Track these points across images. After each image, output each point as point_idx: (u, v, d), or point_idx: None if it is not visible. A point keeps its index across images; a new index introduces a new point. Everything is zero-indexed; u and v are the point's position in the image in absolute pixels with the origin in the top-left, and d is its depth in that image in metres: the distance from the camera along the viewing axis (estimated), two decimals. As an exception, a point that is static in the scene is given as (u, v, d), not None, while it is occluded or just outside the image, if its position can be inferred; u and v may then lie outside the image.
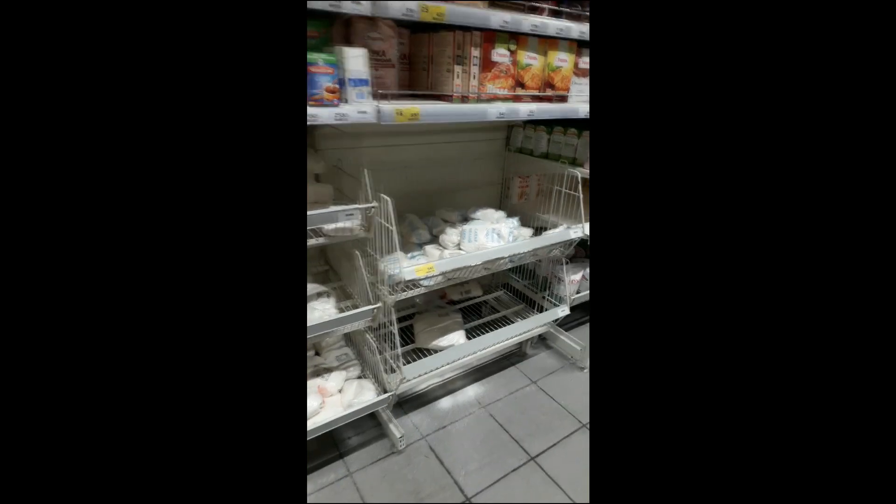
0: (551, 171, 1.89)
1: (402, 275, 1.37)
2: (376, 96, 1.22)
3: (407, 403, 1.83)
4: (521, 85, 1.39)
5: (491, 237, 1.65)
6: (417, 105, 1.17)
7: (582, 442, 1.65)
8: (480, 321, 2.11)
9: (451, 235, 1.69)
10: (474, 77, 1.28)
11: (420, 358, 1.62)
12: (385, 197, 1.31)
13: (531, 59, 1.38)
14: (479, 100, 1.32)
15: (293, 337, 0.51)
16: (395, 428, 1.59)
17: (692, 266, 0.50)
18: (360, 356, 1.80)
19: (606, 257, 0.54)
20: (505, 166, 2.21)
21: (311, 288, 1.52)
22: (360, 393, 1.53)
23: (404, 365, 1.68)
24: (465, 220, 1.84)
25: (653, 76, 0.50)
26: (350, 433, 1.66)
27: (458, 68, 1.27)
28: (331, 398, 1.53)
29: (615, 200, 0.53)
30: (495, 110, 1.30)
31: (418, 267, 1.40)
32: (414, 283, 1.50)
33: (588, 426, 1.75)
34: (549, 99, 1.47)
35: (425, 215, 1.92)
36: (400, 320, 1.98)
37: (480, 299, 2.28)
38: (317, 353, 1.68)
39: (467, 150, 2.09)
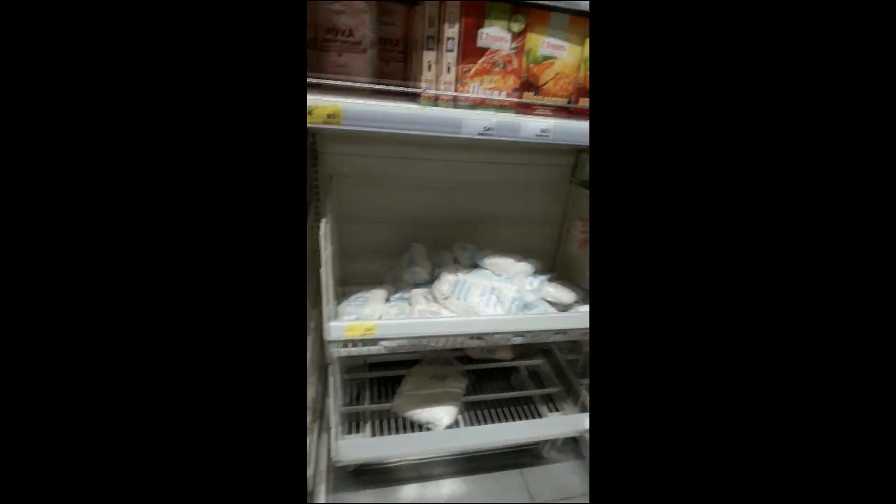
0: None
1: (326, 331, 1.02)
2: (318, 87, 0.90)
3: (365, 475, 1.47)
4: (533, 87, 0.91)
5: (487, 300, 1.19)
6: (340, 101, 0.81)
7: None
8: (490, 396, 1.62)
9: (442, 284, 1.28)
10: (448, 69, 0.86)
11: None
12: (323, 221, 0.98)
13: (554, 49, 0.88)
14: (454, 103, 0.89)
15: (291, 345, 0.50)
16: None
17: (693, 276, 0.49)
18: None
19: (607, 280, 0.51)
20: (567, 203, 1.67)
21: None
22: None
23: (349, 435, 1.33)
24: (475, 266, 1.39)
25: (659, 79, 0.48)
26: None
27: (428, 55, 0.87)
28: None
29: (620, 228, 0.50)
30: (477, 122, 0.85)
31: (352, 325, 1.03)
32: (366, 341, 1.14)
33: None
34: (582, 113, 0.94)
35: (442, 249, 1.53)
36: (397, 365, 1.63)
37: (508, 364, 1.78)
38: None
39: (516, 174, 1.62)
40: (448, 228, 1.62)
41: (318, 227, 0.98)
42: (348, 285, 1.55)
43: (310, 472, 1.23)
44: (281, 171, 0.51)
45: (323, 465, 1.36)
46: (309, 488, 1.17)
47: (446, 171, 1.57)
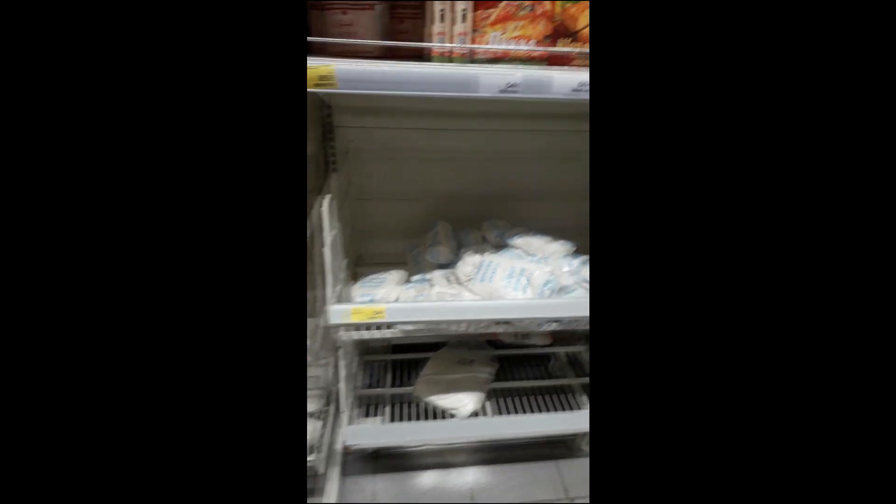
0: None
1: (328, 314, 0.95)
2: (321, 51, 0.80)
3: (383, 459, 1.43)
4: (569, 34, 0.76)
5: (514, 283, 1.07)
6: (332, 62, 0.70)
7: None
8: (522, 384, 1.52)
9: (465, 265, 1.17)
10: (462, 18, 0.72)
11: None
12: (326, 198, 0.90)
13: (595, -15, 0.72)
14: (470, 58, 0.75)
15: (291, 336, 0.48)
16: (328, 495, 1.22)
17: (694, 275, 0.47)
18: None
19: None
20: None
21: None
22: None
23: (366, 418, 1.28)
24: (504, 245, 1.27)
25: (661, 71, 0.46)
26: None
27: (439, 3, 0.73)
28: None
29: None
30: (497, 79, 0.72)
31: (358, 308, 0.96)
32: (377, 325, 1.07)
33: None
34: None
35: (470, 227, 1.42)
36: (422, 348, 1.57)
37: (544, 350, 1.66)
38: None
39: (552, 144, 1.46)
40: (477, 205, 1.50)
41: (322, 205, 0.90)
42: (368, 266, 1.48)
43: (322, 455, 1.20)
44: (276, 143, 0.47)
45: (338, 447, 1.33)
46: (321, 471, 1.14)
47: (475, 143, 1.43)
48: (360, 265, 1.49)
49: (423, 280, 1.26)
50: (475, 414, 1.30)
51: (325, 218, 0.88)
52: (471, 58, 0.75)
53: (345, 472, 1.33)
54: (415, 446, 1.46)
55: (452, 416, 1.32)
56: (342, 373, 1.08)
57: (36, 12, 0.41)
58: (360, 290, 1.15)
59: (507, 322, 1.11)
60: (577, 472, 1.40)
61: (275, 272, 0.48)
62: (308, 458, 1.14)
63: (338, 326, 0.97)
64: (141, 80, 0.44)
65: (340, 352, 1.07)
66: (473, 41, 0.73)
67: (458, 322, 1.01)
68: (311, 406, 1.33)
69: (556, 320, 1.11)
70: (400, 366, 1.58)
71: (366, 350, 1.59)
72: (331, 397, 1.39)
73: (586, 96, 0.74)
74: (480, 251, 1.21)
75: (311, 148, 1.14)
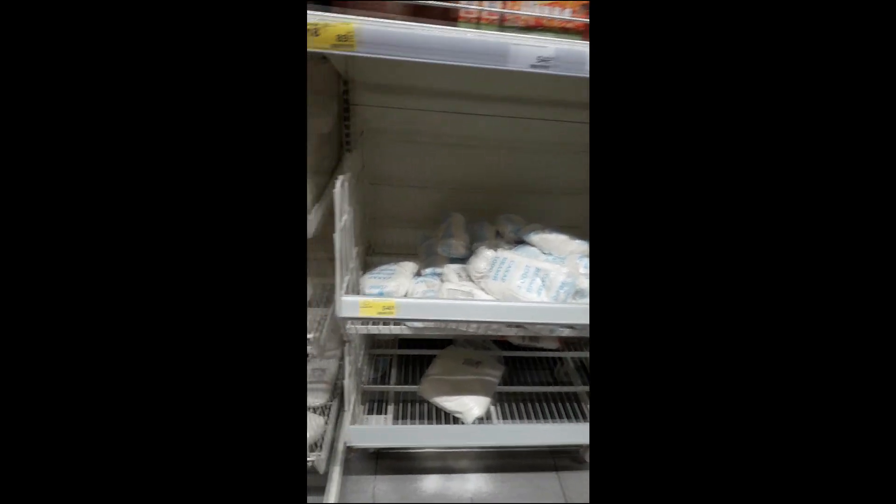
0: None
1: (338, 305, 0.88)
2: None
3: (386, 458, 1.36)
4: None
5: (529, 283, 0.99)
6: (354, 20, 0.62)
7: None
8: (529, 389, 1.44)
9: (479, 260, 1.09)
10: None
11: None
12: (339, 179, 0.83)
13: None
14: (500, 25, 0.67)
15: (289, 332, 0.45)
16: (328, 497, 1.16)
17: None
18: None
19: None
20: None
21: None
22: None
23: (371, 416, 1.22)
24: (521, 241, 1.19)
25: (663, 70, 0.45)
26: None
27: (469, -35, 0.65)
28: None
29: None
30: (529, 50, 0.63)
31: (369, 302, 0.88)
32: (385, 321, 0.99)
33: None
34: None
35: (485, 220, 1.34)
36: (429, 344, 1.50)
37: (552, 354, 1.59)
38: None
39: (580, 136, 1.37)
40: (494, 197, 1.42)
41: (335, 186, 0.83)
42: (378, 255, 1.41)
43: (324, 453, 1.14)
44: (272, 116, 0.43)
45: (340, 446, 1.27)
46: (322, 470, 1.08)
47: (496, 130, 1.35)
48: (370, 254, 1.43)
49: (434, 274, 1.19)
50: (480, 419, 1.23)
51: (338, 200, 0.81)
52: (500, 24, 0.67)
53: (346, 471, 1.27)
54: (417, 448, 1.40)
55: (457, 419, 1.25)
56: (347, 368, 1.02)
57: (28, 9, 0.39)
58: (370, 280, 1.08)
59: (518, 325, 1.03)
60: (579, 485, 1.33)
61: (270, 259, 0.44)
62: (309, 457, 1.08)
63: (346, 320, 0.89)
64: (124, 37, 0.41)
65: (348, 346, 1.00)
66: (504, 6, 0.65)
67: (469, 322, 0.93)
68: (316, 400, 1.27)
69: (571, 326, 1.03)
70: (407, 361, 1.51)
71: (373, 343, 1.53)
72: (335, 391, 1.33)
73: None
74: (494, 247, 1.13)
75: (329, 126, 1.06)
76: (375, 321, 0.95)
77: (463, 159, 1.37)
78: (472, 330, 1.01)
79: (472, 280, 1.11)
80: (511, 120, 1.35)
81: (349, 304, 0.88)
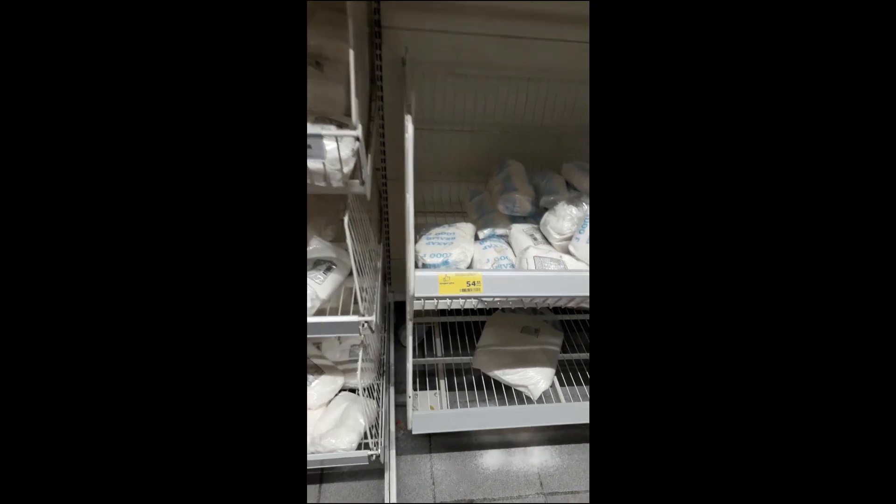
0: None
1: (411, 284, 0.71)
2: None
3: (438, 435, 1.26)
4: None
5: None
6: None
7: None
8: (586, 356, 1.32)
9: (559, 219, 0.92)
10: None
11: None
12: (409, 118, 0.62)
13: None
14: None
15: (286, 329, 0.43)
16: (389, 487, 1.05)
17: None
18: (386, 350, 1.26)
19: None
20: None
21: (314, 250, 0.96)
22: (342, 423, 1.00)
23: (421, 391, 1.09)
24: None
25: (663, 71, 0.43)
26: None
27: None
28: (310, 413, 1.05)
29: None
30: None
31: (449, 276, 0.71)
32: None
33: None
34: None
35: (548, 168, 1.15)
36: (470, 312, 1.35)
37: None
38: (316, 345, 1.17)
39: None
40: (557, 140, 1.21)
41: (406, 131, 0.62)
42: (417, 214, 1.21)
43: (382, 439, 1.01)
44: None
45: (392, 427, 1.15)
46: (375, 451, 0.96)
47: (558, 58, 1.12)
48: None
49: (497, 236, 1.01)
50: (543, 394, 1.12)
51: (409, 150, 0.61)
52: None
53: (398, 450, 1.16)
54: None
55: (519, 393, 1.13)
56: (409, 352, 0.86)
57: (26, 12, 0.38)
58: (428, 247, 0.90)
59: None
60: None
61: (271, 259, 0.42)
62: (370, 447, 0.95)
63: (421, 299, 0.72)
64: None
65: (405, 327, 0.83)
66: None
67: (572, 297, 0.77)
68: (364, 381, 1.12)
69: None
70: (450, 329, 1.37)
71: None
72: (382, 368, 1.19)
73: None
74: (574, 202, 0.95)
75: (352, 54, 0.83)
76: (455, 297, 0.78)
77: (515, 94, 1.14)
78: (561, 304, 0.86)
79: (548, 243, 0.94)
80: (573, 45, 1.11)
81: (426, 281, 0.70)
